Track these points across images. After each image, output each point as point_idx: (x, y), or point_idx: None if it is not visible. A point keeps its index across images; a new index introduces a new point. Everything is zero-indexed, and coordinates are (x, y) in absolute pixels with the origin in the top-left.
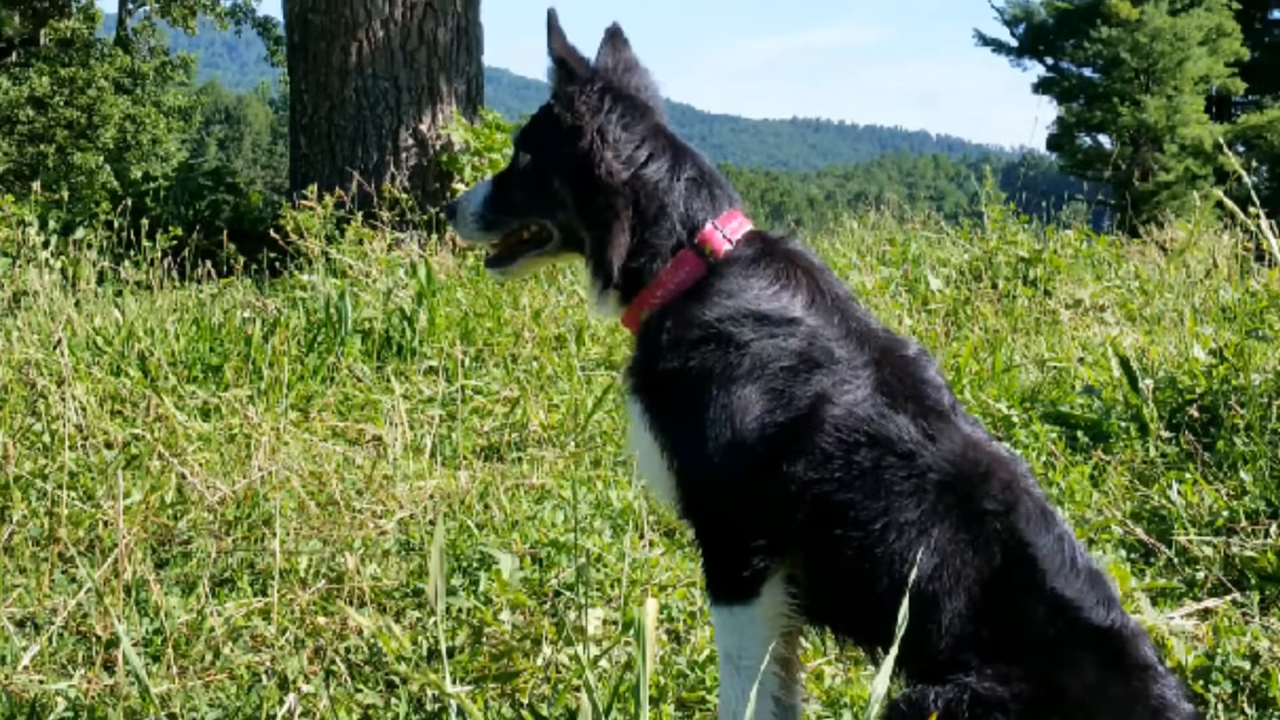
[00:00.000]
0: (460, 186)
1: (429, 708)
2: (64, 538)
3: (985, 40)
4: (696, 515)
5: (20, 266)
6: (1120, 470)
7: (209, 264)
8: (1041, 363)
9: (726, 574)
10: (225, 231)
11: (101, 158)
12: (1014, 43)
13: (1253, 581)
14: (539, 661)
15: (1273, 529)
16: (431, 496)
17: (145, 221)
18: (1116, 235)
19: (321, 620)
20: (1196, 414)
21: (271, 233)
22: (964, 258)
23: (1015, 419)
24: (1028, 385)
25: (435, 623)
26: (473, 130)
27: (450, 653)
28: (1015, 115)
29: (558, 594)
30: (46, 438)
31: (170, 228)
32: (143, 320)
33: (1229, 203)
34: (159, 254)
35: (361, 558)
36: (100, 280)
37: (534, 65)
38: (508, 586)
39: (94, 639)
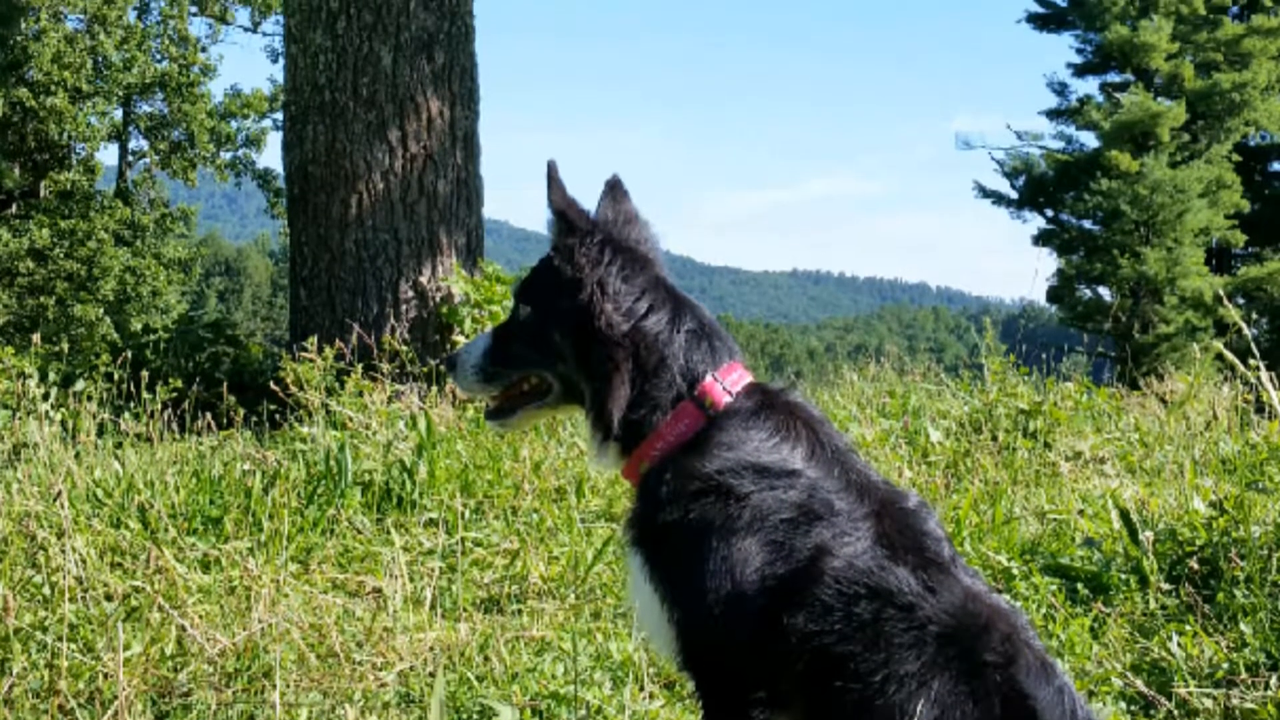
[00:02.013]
0: (460, 338)
1: None
2: (64, 690)
3: (985, 192)
4: (697, 667)
5: (20, 418)
6: (1120, 622)
7: (209, 416)
8: (1041, 515)
9: None
10: (225, 384)
11: (101, 310)
12: (1014, 195)
13: None
14: None
15: (1273, 681)
16: (432, 648)
17: (145, 374)
18: (1116, 387)
19: None
20: (1197, 566)
21: (271, 385)
22: (964, 410)
23: (1015, 571)
24: (1028, 537)
25: None
26: (473, 282)
27: None
28: (1015, 267)
29: None
30: (46, 590)
31: (170, 380)
32: (143, 472)
33: (1229, 355)
34: (159, 406)
35: (362, 710)
36: (100, 432)
37: (534, 217)
38: None
39: None
